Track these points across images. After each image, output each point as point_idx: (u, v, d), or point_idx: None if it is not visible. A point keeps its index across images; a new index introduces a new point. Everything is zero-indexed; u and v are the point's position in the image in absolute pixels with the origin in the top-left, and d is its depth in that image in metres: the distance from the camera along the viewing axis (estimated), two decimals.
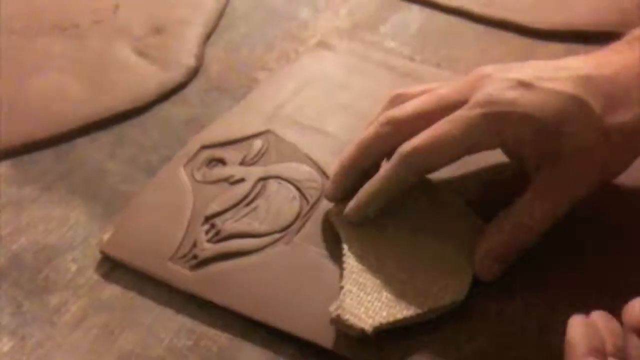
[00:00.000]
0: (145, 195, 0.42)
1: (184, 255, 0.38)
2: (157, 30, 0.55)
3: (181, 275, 0.38)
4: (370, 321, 0.34)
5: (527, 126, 0.36)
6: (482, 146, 0.38)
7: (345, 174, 0.39)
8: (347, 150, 0.39)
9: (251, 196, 0.41)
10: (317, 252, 0.38)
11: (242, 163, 0.43)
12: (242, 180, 0.42)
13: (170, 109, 0.49)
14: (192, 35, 0.54)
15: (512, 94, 0.37)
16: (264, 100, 0.48)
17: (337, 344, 0.35)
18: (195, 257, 0.38)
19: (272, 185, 0.42)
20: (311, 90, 0.48)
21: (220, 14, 0.57)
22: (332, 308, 0.35)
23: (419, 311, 0.35)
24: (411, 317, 0.35)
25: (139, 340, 0.36)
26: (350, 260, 0.37)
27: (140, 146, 0.46)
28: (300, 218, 0.40)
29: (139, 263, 0.38)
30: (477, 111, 0.36)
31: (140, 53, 0.53)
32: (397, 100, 0.40)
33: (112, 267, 0.39)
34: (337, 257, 0.38)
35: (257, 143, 0.44)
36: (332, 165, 0.40)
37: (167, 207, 0.41)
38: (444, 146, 0.37)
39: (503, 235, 0.37)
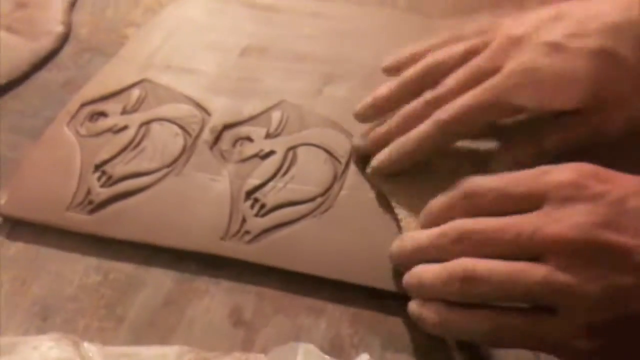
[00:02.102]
0: (33, 155, 0.43)
1: (80, 203, 0.41)
2: (22, 4, 0.56)
3: (80, 220, 0.40)
4: None
5: (563, 91, 0.38)
6: (517, 112, 0.39)
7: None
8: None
9: (137, 140, 0.44)
10: (205, 177, 0.41)
11: (124, 112, 0.45)
12: (125, 127, 0.44)
13: (46, 76, 0.50)
14: (57, 4, 0.55)
15: (545, 62, 0.37)
16: (135, 52, 0.50)
17: (234, 250, 0.38)
18: (91, 202, 0.41)
19: (155, 126, 0.44)
20: (178, 36, 0.51)
21: None
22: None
23: None
24: None
25: (51, 285, 0.38)
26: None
27: (23, 114, 0.47)
28: (186, 151, 0.43)
29: (38, 217, 0.40)
30: (513, 80, 0.38)
31: (9, 29, 0.53)
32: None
33: (13, 227, 0.41)
34: (223, 177, 0.41)
35: (135, 92, 0.47)
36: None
37: (57, 162, 0.43)
38: (480, 113, 0.38)
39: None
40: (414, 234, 0.36)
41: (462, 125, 0.39)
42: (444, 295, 0.33)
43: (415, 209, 0.38)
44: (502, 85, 0.38)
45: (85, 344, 0.30)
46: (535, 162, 0.34)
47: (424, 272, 0.34)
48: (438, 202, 0.36)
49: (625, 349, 0.31)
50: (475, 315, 0.32)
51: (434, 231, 0.34)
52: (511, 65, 0.38)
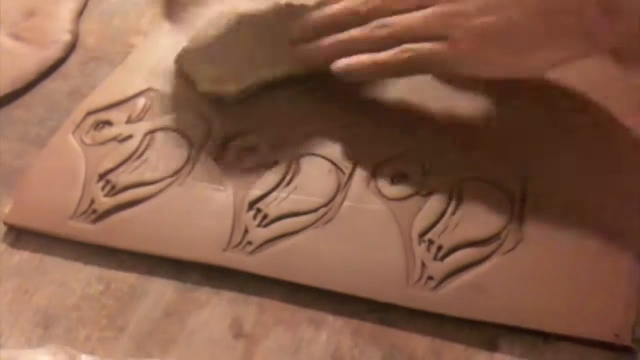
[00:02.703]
0: (38, 164, 0.44)
1: (84, 212, 0.41)
2: (31, 13, 0.56)
3: (83, 229, 0.40)
4: None
5: None
6: None
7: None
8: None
9: (141, 149, 0.44)
10: (207, 186, 0.41)
11: (128, 121, 0.46)
12: (130, 136, 0.44)
13: (52, 85, 0.50)
14: (65, 13, 0.55)
15: None
16: (141, 61, 0.50)
17: (236, 261, 0.38)
18: (94, 211, 0.41)
19: (160, 136, 0.45)
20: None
21: None
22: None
23: None
24: None
25: (53, 294, 0.38)
26: None
27: (28, 123, 0.47)
28: (190, 161, 0.43)
29: (42, 226, 0.40)
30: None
31: (16, 37, 0.54)
32: None
33: (17, 235, 0.41)
34: (226, 188, 0.41)
35: (140, 101, 0.47)
36: None
37: (61, 171, 0.43)
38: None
39: None
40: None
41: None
42: (366, 46, 0.42)
43: None
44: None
45: (83, 357, 0.30)
46: None
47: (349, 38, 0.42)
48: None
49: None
50: (395, 53, 0.41)
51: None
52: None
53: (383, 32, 0.42)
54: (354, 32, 0.43)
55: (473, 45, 0.40)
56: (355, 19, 0.43)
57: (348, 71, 0.43)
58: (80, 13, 0.56)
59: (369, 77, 0.44)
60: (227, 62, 0.47)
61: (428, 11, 0.41)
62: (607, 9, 0.37)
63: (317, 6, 0.45)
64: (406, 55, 0.41)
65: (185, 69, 0.48)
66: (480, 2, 0.40)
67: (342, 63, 0.43)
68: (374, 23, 0.42)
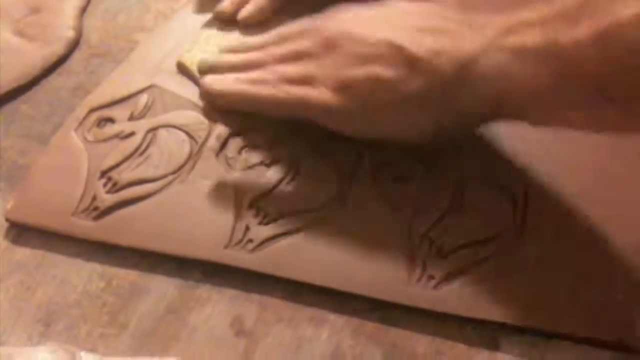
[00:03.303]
0: (41, 161, 0.44)
1: (86, 209, 0.41)
2: (35, 9, 0.56)
3: (85, 226, 0.40)
4: None
5: None
6: None
7: None
8: None
9: (143, 146, 0.44)
10: (210, 184, 0.41)
11: (131, 118, 0.45)
12: (132, 133, 0.44)
13: (56, 81, 0.50)
14: (69, 9, 0.55)
15: None
16: (145, 58, 0.50)
17: (236, 259, 0.38)
18: (96, 208, 0.41)
19: (162, 133, 0.44)
20: (188, 42, 0.50)
21: None
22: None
23: None
24: None
25: (55, 290, 0.38)
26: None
27: (32, 119, 0.47)
28: (192, 158, 0.43)
29: (43, 223, 0.40)
30: None
31: (21, 33, 0.54)
32: None
33: (19, 232, 0.41)
34: (227, 185, 0.41)
35: (143, 98, 0.47)
36: None
37: (64, 168, 0.43)
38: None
39: None
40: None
41: None
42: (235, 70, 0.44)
43: None
44: None
45: (83, 354, 0.30)
46: None
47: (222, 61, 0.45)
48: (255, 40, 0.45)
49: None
50: (259, 86, 0.42)
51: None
52: None
53: (267, 73, 0.43)
54: (252, 72, 0.44)
55: (335, 99, 0.39)
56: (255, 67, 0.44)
57: (219, 94, 0.44)
58: (84, 9, 0.56)
59: (236, 105, 0.44)
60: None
61: (304, 63, 0.42)
62: (466, 77, 0.37)
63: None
64: (281, 95, 0.41)
65: (188, 65, 0.47)
66: (351, 55, 0.39)
67: (210, 79, 0.44)
68: (264, 71, 0.43)
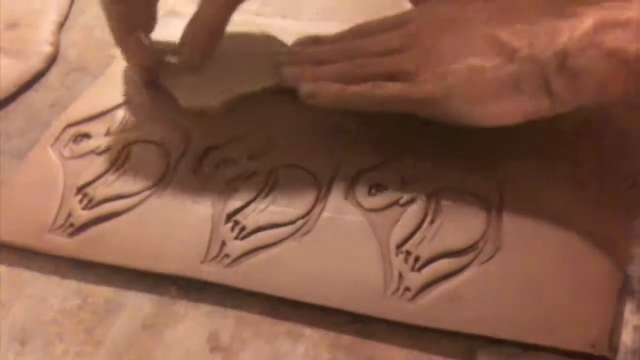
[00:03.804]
0: (16, 178, 0.44)
1: (61, 225, 0.41)
2: (12, 25, 0.56)
3: (61, 243, 0.40)
4: None
5: None
6: None
7: None
8: None
9: (119, 162, 0.44)
10: (185, 199, 0.41)
11: (107, 134, 0.45)
12: (108, 149, 0.44)
13: (33, 96, 0.50)
14: (46, 24, 0.56)
15: None
16: (122, 73, 0.50)
17: (212, 274, 0.38)
18: (71, 225, 0.41)
19: (138, 148, 0.44)
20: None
21: (72, 1, 0.58)
22: None
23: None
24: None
25: (30, 309, 0.38)
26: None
27: (9, 135, 0.47)
28: (168, 173, 0.43)
29: (18, 240, 0.40)
30: None
31: None
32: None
33: None
34: (204, 200, 0.41)
35: (119, 113, 0.47)
36: None
37: (39, 185, 0.43)
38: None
39: None
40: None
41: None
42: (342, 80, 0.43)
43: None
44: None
45: None
46: None
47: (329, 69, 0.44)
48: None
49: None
50: (365, 88, 0.42)
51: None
52: None
53: (360, 71, 0.43)
54: (336, 66, 0.45)
55: (438, 90, 0.40)
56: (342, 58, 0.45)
57: (312, 96, 0.44)
58: (62, 25, 0.56)
59: (332, 106, 0.44)
60: (209, 77, 0.47)
61: (400, 56, 0.43)
62: (564, 66, 0.37)
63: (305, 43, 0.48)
64: (376, 91, 0.42)
65: (166, 84, 0.47)
66: (447, 47, 0.41)
67: (307, 87, 0.44)
68: (355, 61, 0.44)
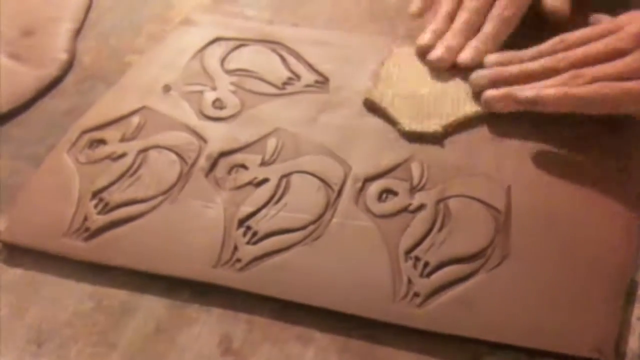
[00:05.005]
0: (33, 183, 0.44)
1: (77, 230, 0.41)
2: (28, 32, 0.57)
3: (76, 247, 0.41)
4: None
5: None
6: None
7: None
8: None
9: (134, 167, 0.45)
10: (199, 204, 0.42)
11: (122, 140, 0.46)
12: (123, 155, 0.45)
13: (49, 103, 0.51)
14: (62, 32, 0.57)
15: None
16: (136, 80, 0.51)
17: (224, 278, 0.39)
18: (87, 229, 0.41)
19: (153, 154, 0.45)
20: (179, 62, 0.51)
21: (88, 8, 0.59)
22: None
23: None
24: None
25: (47, 311, 0.39)
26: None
27: (25, 141, 0.48)
28: (182, 178, 0.44)
29: (35, 243, 0.41)
30: None
31: (14, 56, 0.55)
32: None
33: (11, 253, 0.42)
34: (217, 205, 0.42)
35: (134, 119, 0.47)
36: None
37: (56, 190, 0.44)
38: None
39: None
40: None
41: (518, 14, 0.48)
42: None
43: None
44: None
45: None
46: None
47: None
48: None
49: None
50: (593, 88, 0.42)
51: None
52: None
53: (579, 81, 0.43)
54: (557, 77, 0.44)
55: None
56: (552, 74, 0.45)
57: (536, 102, 0.44)
58: (77, 32, 0.57)
59: (555, 109, 0.44)
60: (430, 100, 0.47)
61: (627, 59, 0.43)
62: None
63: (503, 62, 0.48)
64: (605, 90, 0.42)
65: (387, 109, 0.47)
66: None
67: (530, 93, 0.44)
68: (571, 73, 0.44)
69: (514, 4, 0.49)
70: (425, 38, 0.50)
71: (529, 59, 0.47)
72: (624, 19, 0.45)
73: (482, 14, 0.50)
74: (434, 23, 0.51)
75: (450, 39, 0.49)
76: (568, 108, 0.43)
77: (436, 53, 0.49)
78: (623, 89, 0.42)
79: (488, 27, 0.49)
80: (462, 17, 0.50)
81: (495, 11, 0.49)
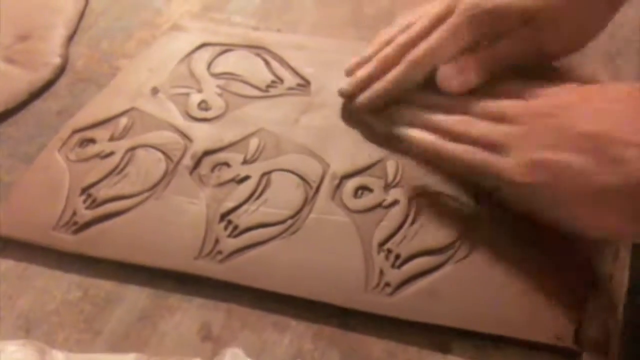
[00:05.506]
0: (26, 179, 0.46)
1: (66, 223, 0.43)
2: (23, 37, 0.59)
3: (65, 240, 0.43)
4: None
5: (508, 18, 0.44)
6: (470, 44, 0.45)
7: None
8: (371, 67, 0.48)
9: (122, 165, 0.46)
10: (183, 200, 0.44)
11: (111, 139, 0.48)
12: (112, 153, 0.47)
13: (42, 105, 0.53)
14: (56, 37, 0.59)
15: None
16: (126, 82, 0.53)
17: (206, 269, 0.41)
18: (75, 223, 0.43)
19: (140, 152, 0.47)
20: (167, 66, 0.54)
21: (81, 15, 0.61)
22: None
23: None
24: None
25: (35, 300, 0.41)
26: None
27: (18, 140, 0.50)
28: (167, 175, 0.46)
29: (26, 236, 0.43)
30: (462, 17, 0.44)
31: (9, 60, 0.57)
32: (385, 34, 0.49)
33: (3, 245, 0.44)
34: (200, 201, 0.44)
35: (123, 120, 0.49)
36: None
37: (47, 186, 0.46)
38: (440, 50, 0.45)
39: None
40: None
41: (428, 62, 0.46)
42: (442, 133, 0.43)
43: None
44: (457, 20, 0.45)
45: (53, 352, 0.33)
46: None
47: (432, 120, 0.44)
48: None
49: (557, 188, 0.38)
50: (460, 150, 0.42)
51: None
52: (461, 5, 0.45)
53: (461, 128, 0.43)
54: (439, 117, 0.44)
55: (524, 173, 0.38)
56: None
57: (409, 141, 0.45)
58: (70, 38, 0.59)
59: (423, 155, 0.45)
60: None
61: (502, 128, 0.41)
62: None
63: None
64: (464, 156, 0.41)
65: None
66: (553, 134, 0.38)
67: (408, 133, 0.45)
68: (458, 117, 0.43)
69: (431, 49, 0.45)
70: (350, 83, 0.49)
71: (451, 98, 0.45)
72: (541, 85, 0.43)
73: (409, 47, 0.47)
74: (364, 68, 0.49)
75: (364, 71, 0.48)
76: (431, 158, 0.44)
77: (345, 83, 0.49)
78: (484, 161, 0.40)
79: (396, 69, 0.47)
80: (385, 51, 0.48)
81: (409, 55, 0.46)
